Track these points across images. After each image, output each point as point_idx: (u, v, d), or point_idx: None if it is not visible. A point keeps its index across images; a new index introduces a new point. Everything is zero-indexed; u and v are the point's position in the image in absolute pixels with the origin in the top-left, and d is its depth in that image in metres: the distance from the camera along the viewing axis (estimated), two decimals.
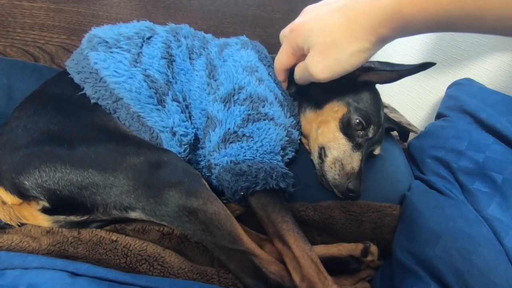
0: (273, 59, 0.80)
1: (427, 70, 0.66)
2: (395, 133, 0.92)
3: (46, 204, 0.53)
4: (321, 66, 0.56)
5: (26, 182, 0.51)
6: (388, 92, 1.40)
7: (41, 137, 0.55)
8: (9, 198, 0.53)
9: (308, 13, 0.59)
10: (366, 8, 0.49)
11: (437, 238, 0.49)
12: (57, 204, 0.53)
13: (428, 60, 1.20)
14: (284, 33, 0.66)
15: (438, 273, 0.48)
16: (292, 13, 1.10)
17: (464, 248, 0.47)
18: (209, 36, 0.82)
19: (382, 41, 0.51)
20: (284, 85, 0.74)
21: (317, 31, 0.54)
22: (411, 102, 1.31)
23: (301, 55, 0.62)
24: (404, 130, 0.86)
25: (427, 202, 0.58)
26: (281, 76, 0.72)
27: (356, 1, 0.50)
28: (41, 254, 0.49)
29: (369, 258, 0.60)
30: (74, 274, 0.41)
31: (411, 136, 0.94)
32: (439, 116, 0.97)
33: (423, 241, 0.51)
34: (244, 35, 0.84)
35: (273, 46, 1.16)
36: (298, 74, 0.66)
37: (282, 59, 0.67)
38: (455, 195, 0.62)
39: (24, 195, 0.52)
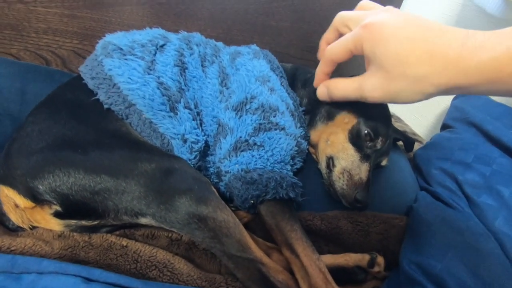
0: (283, 67, 0.81)
1: None
2: (400, 142, 0.93)
3: (59, 208, 0.54)
4: (379, 92, 0.51)
5: (40, 187, 0.52)
6: None
7: (56, 143, 0.56)
8: (22, 202, 0.54)
9: (391, 13, 0.50)
10: (455, 54, 0.42)
11: (445, 251, 0.50)
12: (70, 208, 0.54)
13: None
14: (350, 18, 0.56)
15: (445, 286, 0.48)
16: (300, 22, 1.12)
17: (472, 261, 0.47)
18: (220, 44, 0.83)
19: (447, 92, 0.46)
20: (326, 78, 0.64)
21: (391, 52, 0.47)
22: (416, 111, 1.31)
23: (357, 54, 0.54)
24: (409, 140, 0.86)
25: (435, 214, 0.58)
26: (328, 67, 0.62)
27: (448, 39, 0.44)
28: (53, 258, 0.50)
29: (376, 269, 0.60)
30: (88, 280, 0.42)
31: (417, 146, 0.94)
32: (444, 127, 0.97)
33: (430, 253, 0.52)
34: (254, 44, 0.85)
35: (281, 54, 1.17)
36: (342, 91, 0.58)
37: (338, 50, 0.56)
38: (462, 208, 0.63)
39: (37, 199, 0.53)
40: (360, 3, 0.59)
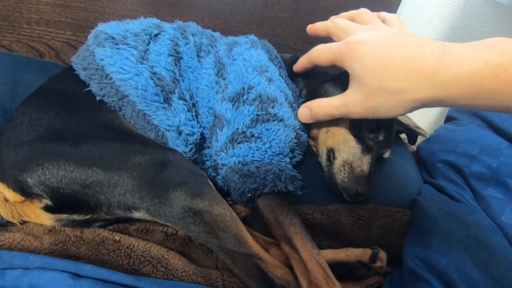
0: (282, 58, 0.79)
1: None
2: (403, 135, 0.91)
3: (49, 202, 0.52)
4: (360, 107, 0.53)
5: (29, 180, 0.50)
6: None
7: (45, 134, 0.54)
8: (12, 196, 0.52)
9: (376, 31, 0.53)
10: (431, 67, 0.43)
11: (450, 246, 0.48)
12: (60, 202, 0.52)
13: None
14: (341, 29, 0.58)
15: (451, 282, 0.46)
16: (300, 12, 1.09)
17: (479, 256, 0.45)
18: (217, 34, 0.80)
19: (426, 105, 0.47)
20: (304, 70, 0.69)
21: (369, 68, 0.49)
22: None
23: None
24: (412, 133, 0.84)
25: (439, 207, 0.56)
26: (308, 65, 0.66)
27: (425, 53, 0.45)
28: (43, 253, 0.48)
29: (378, 264, 0.58)
30: (77, 276, 0.40)
31: (420, 139, 0.92)
32: (448, 119, 0.95)
33: (435, 248, 0.50)
34: (253, 34, 0.82)
35: (280, 46, 1.15)
36: (326, 110, 0.60)
37: (321, 57, 0.59)
38: (467, 201, 0.60)
39: (26, 193, 0.51)
40: (360, 11, 0.62)
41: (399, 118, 1.22)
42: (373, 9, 1.16)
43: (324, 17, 1.12)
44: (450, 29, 1.13)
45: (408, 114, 1.29)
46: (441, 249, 0.48)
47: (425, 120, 1.25)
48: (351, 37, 0.54)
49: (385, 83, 0.48)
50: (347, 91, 0.56)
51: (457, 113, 0.91)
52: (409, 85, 0.46)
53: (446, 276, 0.46)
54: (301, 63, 0.67)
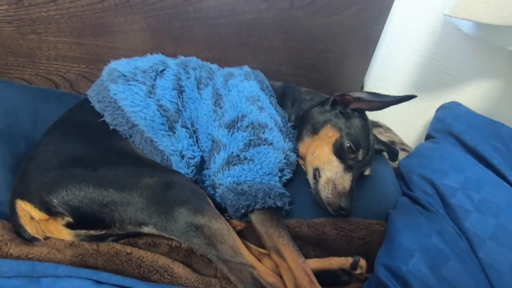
0: (273, 87, 0.89)
1: (417, 93, 0.73)
2: (385, 153, 0.99)
3: (70, 220, 0.60)
4: None
5: (55, 200, 0.58)
6: (383, 113, 1.47)
7: (67, 160, 0.63)
8: (38, 214, 0.60)
9: None
10: None
11: (411, 254, 0.55)
12: (80, 219, 0.60)
13: (418, 82, 1.28)
14: None
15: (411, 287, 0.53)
16: (290, 41, 1.20)
17: (435, 263, 0.52)
18: (214, 66, 0.91)
19: None
20: None
21: None
22: (404, 122, 1.38)
23: None
24: (393, 151, 0.92)
25: (407, 219, 0.64)
26: None
27: None
28: (66, 264, 0.56)
29: (358, 271, 0.65)
30: (98, 282, 0.47)
31: (402, 155, 1.00)
32: (428, 137, 1.03)
33: (398, 257, 0.57)
34: (247, 66, 0.92)
35: (274, 72, 1.26)
36: None
37: None
38: (437, 210, 0.68)
39: (51, 212, 0.59)
40: None
41: (386, 135, 1.31)
42: (358, 37, 1.27)
43: (313, 44, 1.24)
44: (428, 54, 1.24)
45: (395, 131, 1.38)
46: (403, 257, 0.55)
47: (410, 136, 1.34)
48: None
49: None
50: None
51: (435, 132, 1.00)
52: None
53: (406, 283, 0.52)
54: None
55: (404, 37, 1.34)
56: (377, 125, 1.39)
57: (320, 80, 1.34)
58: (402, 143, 1.27)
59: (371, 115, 1.38)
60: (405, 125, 1.37)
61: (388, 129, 1.40)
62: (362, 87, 1.57)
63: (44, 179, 0.60)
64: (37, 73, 0.97)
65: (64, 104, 0.86)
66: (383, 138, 1.19)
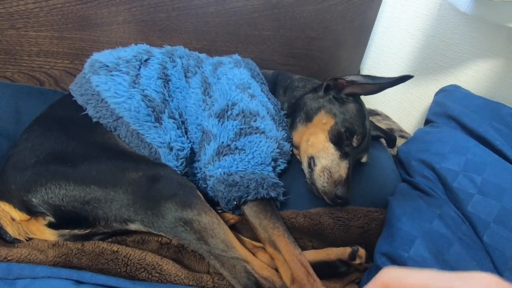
0: (265, 75, 0.85)
1: (415, 78, 0.70)
2: (383, 140, 0.96)
3: (52, 219, 0.57)
4: None
5: (34, 200, 0.55)
6: (381, 101, 1.44)
7: (47, 157, 0.59)
8: (18, 215, 0.57)
9: None
10: None
11: (412, 241, 0.52)
12: (62, 219, 0.57)
13: (416, 67, 1.25)
14: None
15: None
16: (281, 29, 1.16)
17: (437, 248, 0.50)
18: (203, 55, 0.87)
19: None
20: None
21: None
22: (402, 109, 1.35)
23: None
24: (390, 137, 0.89)
25: (407, 205, 0.61)
26: None
27: None
28: (48, 265, 0.53)
29: (357, 261, 0.62)
30: (78, 282, 0.45)
31: (400, 142, 0.97)
32: (427, 122, 1.00)
33: (398, 244, 0.54)
34: (237, 54, 0.89)
35: (266, 61, 1.22)
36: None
37: None
38: (438, 194, 0.65)
39: (31, 212, 0.56)
40: None
41: (384, 122, 1.28)
42: (352, 23, 1.23)
43: (305, 32, 1.20)
44: (425, 37, 1.20)
45: (393, 118, 1.35)
46: (404, 244, 0.53)
47: (408, 123, 1.31)
48: None
49: None
50: None
51: (434, 116, 0.97)
52: None
53: None
54: None
55: (399, 22, 1.31)
56: (375, 113, 1.36)
57: (315, 69, 1.31)
58: (401, 130, 1.24)
59: (369, 104, 1.35)
60: (404, 112, 1.34)
61: (386, 117, 1.36)
62: None
63: (22, 178, 0.57)
64: (19, 71, 0.93)
65: (48, 101, 0.83)
66: (382, 126, 1.16)
